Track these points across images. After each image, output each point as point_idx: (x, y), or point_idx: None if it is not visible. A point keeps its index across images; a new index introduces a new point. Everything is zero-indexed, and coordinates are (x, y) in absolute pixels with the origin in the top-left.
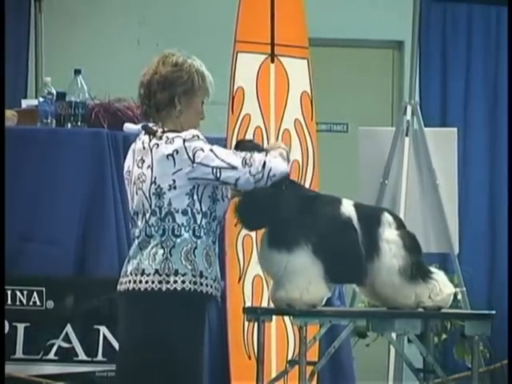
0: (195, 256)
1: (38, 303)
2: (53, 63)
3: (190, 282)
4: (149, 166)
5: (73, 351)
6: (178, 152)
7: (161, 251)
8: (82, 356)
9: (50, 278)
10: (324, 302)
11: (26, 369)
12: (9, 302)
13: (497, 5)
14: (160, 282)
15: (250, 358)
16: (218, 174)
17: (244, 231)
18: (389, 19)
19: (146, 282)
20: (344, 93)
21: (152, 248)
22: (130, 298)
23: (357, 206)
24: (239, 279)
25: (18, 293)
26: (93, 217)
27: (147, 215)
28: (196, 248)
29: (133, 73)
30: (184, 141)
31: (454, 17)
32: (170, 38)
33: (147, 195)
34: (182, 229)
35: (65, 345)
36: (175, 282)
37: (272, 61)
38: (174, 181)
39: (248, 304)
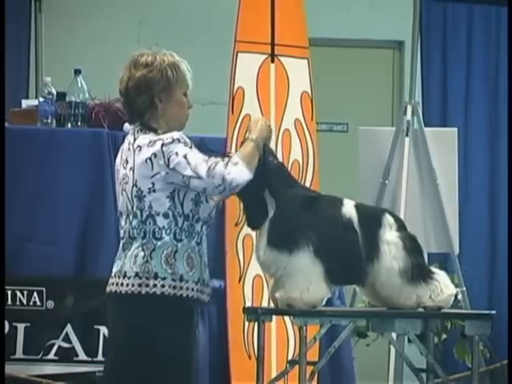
0: (175, 259)
1: (38, 303)
2: (53, 63)
3: (169, 287)
4: (131, 168)
5: (73, 351)
6: (156, 156)
7: (141, 254)
8: (82, 356)
9: (50, 278)
10: (324, 302)
11: (26, 369)
12: (9, 302)
13: (497, 5)
14: (140, 285)
15: (250, 357)
16: (187, 182)
17: (244, 231)
18: (389, 19)
19: (127, 285)
20: (344, 93)
21: (134, 250)
22: (113, 301)
23: (358, 207)
24: (239, 279)
25: (18, 293)
26: (93, 217)
27: (130, 217)
28: (177, 251)
29: None
30: (163, 145)
31: (454, 17)
32: (170, 37)
33: (130, 197)
34: (163, 232)
35: (65, 345)
36: (155, 285)
37: (272, 61)
38: (153, 184)
39: (248, 304)
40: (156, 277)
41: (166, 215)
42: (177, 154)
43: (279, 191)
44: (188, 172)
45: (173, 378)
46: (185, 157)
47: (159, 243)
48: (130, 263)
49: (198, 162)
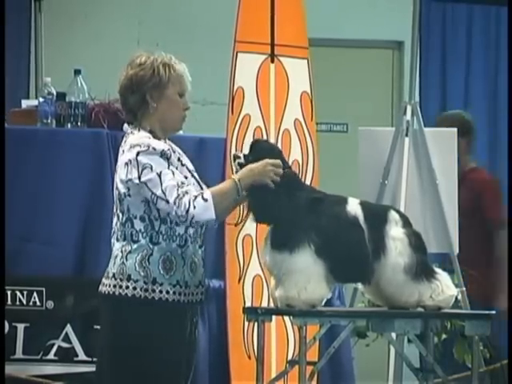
0: (149, 263)
1: (38, 303)
2: (52, 63)
3: (140, 289)
4: (116, 171)
5: (73, 351)
6: (130, 162)
7: (120, 255)
8: (82, 356)
9: (49, 278)
10: (324, 302)
11: (25, 369)
12: (9, 302)
13: (496, 5)
14: (115, 286)
15: (249, 357)
16: (155, 201)
17: (244, 231)
18: (389, 19)
19: (106, 285)
20: (344, 93)
21: (115, 251)
22: (99, 298)
23: (363, 205)
24: (239, 279)
25: (18, 293)
26: (92, 217)
27: (115, 219)
28: (152, 254)
29: None
30: (138, 153)
31: (454, 17)
32: (169, 37)
33: (115, 199)
34: (140, 235)
35: (65, 345)
36: (127, 287)
37: (272, 61)
38: (129, 189)
39: (248, 304)
40: (129, 279)
41: (142, 219)
42: (151, 168)
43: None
44: (158, 192)
45: (148, 375)
46: (159, 175)
47: (135, 246)
48: (111, 264)
49: (170, 185)
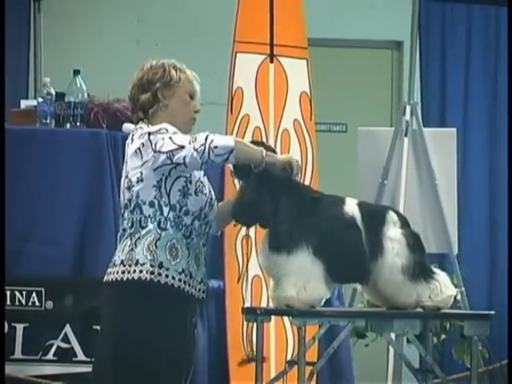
0: (157, 247)
1: (37, 303)
2: (52, 63)
3: (147, 272)
4: (126, 161)
5: (72, 351)
6: (143, 145)
7: (129, 242)
8: (81, 356)
9: (49, 279)
10: (323, 303)
11: (24, 369)
12: (8, 302)
13: (496, 5)
14: (123, 272)
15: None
16: (172, 157)
17: (243, 231)
18: (388, 19)
19: (114, 273)
20: (343, 93)
21: (124, 240)
22: (103, 289)
23: (361, 205)
24: (238, 279)
25: (17, 293)
26: (92, 217)
27: (123, 209)
28: (159, 239)
29: (132, 73)
30: (149, 134)
31: (453, 17)
32: (169, 37)
33: (123, 189)
34: (148, 220)
35: (64, 345)
36: (134, 271)
37: (271, 61)
38: (141, 173)
39: (247, 304)
40: (137, 263)
41: (151, 204)
42: (163, 138)
43: (280, 195)
44: (171, 147)
45: (149, 364)
46: (170, 138)
47: (144, 231)
48: (120, 252)
49: (182, 137)
